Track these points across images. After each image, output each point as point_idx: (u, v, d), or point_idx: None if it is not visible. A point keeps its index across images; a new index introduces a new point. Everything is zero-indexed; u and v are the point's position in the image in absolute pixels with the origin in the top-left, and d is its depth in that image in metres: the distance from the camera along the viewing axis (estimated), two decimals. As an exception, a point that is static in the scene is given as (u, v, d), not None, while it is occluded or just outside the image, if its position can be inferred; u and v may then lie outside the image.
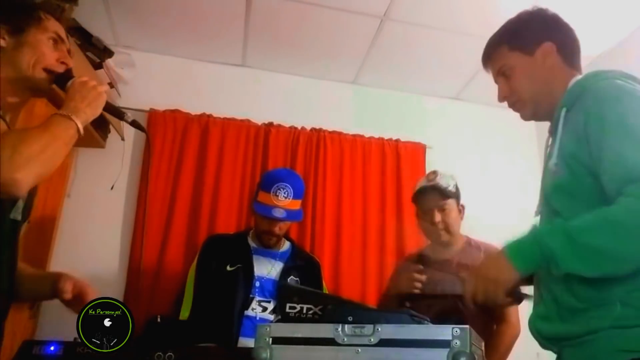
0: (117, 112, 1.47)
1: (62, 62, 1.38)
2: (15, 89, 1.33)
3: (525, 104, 1.40)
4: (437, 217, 2.06)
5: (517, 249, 1.21)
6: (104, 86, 1.38)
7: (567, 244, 1.11)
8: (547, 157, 1.35)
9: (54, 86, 1.38)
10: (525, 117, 1.44)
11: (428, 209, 2.08)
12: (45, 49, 1.35)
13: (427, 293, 1.94)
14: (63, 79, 1.37)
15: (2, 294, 1.32)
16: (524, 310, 1.49)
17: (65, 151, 1.25)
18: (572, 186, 1.22)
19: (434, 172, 2.15)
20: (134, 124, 1.50)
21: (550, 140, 1.39)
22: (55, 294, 1.42)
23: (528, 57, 1.39)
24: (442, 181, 2.08)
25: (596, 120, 1.18)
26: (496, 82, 1.47)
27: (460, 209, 2.13)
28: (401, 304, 1.95)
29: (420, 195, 2.12)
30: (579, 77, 1.35)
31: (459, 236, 2.14)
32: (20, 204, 1.35)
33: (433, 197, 2.07)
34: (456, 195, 2.11)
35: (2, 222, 1.29)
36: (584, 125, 1.20)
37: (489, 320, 2.00)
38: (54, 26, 1.39)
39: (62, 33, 1.41)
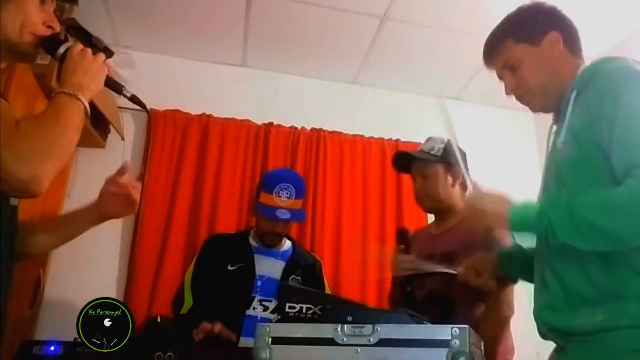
0: (116, 86, 1.39)
1: (49, 26, 1.28)
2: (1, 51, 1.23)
3: (536, 94, 1.39)
4: (417, 183, 2.01)
5: (520, 206, 1.25)
6: (102, 57, 1.30)
7: (567, 216, 1.14)
8: (555, 140, 1.35)
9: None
10: (535, 108, 1.44)
11: (413, 176, 2.05)
12: (31, 8, 1.24)
13: (419, 271, 1.86)
14: (53, 43, 1.27)
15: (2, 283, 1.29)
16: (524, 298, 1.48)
17: (77, 137, 1.18)
18: (583, 165, 1.23)
19: (428, 139, 2.07)
20: (134, 99, 1.41)
21: (555, 127, 1.40)
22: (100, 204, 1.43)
23: (535, 48, 1.39)
24: (426, 145, 2.01)
25: (610, 101, 1.19)
26: (500, 77, 1.47)
27: (454, 175, 1.96)
28: (403, 289, 1.92)
29: (400, 162, 2.07)
30: (587, 64, 1.37)
31: (457, 206, 1.97)
32: None
33: (416, 164, 2.02)
34: (442, 160, 1.95)
35: (4, 210, 1.24)
36: (597, 106, 1.21)
37: (478, 300, 1.82)
38: None
39: None
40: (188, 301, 2.08)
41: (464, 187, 1.97)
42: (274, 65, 3.26)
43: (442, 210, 2.01)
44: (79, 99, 1.17)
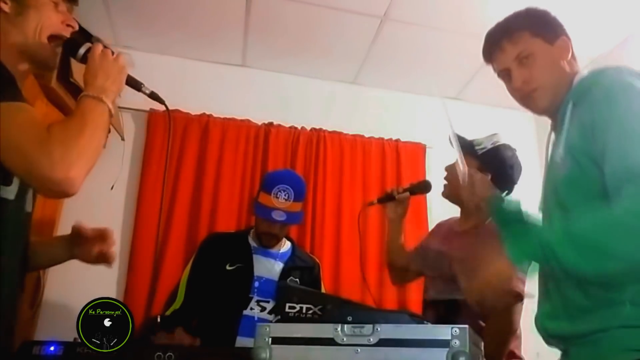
0: (135, 84, 1.41)
1: (68, 25, 1.33)
2: (22, 57, 1.28)
3: (546, 92, 1.35)
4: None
5: (515, 244, 1.21)
6: (123, 56, 1.32)
7: (567, 240, 1.12)
8: (553, 151, 1.34)
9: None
10: (540, 108, 1.39)
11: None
12: (49, 12, 1.29)
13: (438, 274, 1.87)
14: (73, 44, 1.30)
15: (14, 291, 1.30)
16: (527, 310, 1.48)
17: (104, 138, 1.22)
18: (580, 179, 1.22)
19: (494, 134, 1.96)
20: (153, 95, 1.43)
21: (554, 135, 1.39)
22: (74, 242, 1.44)
23: (549, 46, 1.37)
24: (478, 140, 1.92)
25: (603, 116, 1.18)
26: (504, 70, 1.41)
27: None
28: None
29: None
30: (584, 73, 1.35)
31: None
32: (30, 195, 1.31)
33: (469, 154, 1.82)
34: (479, 158, 1.86)
35: (21, 216, 1.27)
36: (592, 120, 1.20)
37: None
38: None
39: None
40: (180, 299, 2.08)
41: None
42: (274, 65, 3.26)
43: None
44: (103, 101, 1.21)
